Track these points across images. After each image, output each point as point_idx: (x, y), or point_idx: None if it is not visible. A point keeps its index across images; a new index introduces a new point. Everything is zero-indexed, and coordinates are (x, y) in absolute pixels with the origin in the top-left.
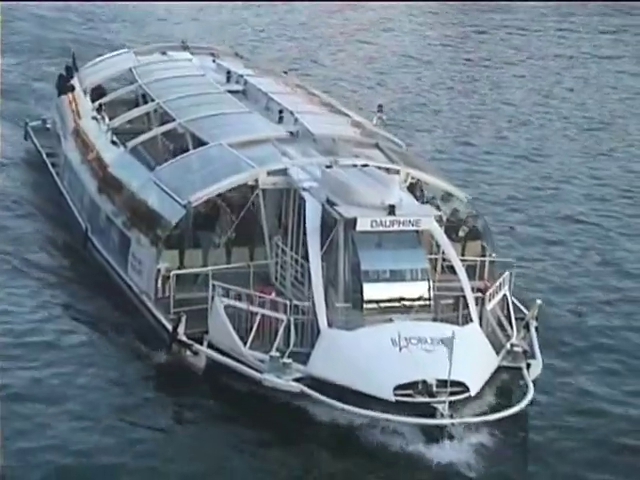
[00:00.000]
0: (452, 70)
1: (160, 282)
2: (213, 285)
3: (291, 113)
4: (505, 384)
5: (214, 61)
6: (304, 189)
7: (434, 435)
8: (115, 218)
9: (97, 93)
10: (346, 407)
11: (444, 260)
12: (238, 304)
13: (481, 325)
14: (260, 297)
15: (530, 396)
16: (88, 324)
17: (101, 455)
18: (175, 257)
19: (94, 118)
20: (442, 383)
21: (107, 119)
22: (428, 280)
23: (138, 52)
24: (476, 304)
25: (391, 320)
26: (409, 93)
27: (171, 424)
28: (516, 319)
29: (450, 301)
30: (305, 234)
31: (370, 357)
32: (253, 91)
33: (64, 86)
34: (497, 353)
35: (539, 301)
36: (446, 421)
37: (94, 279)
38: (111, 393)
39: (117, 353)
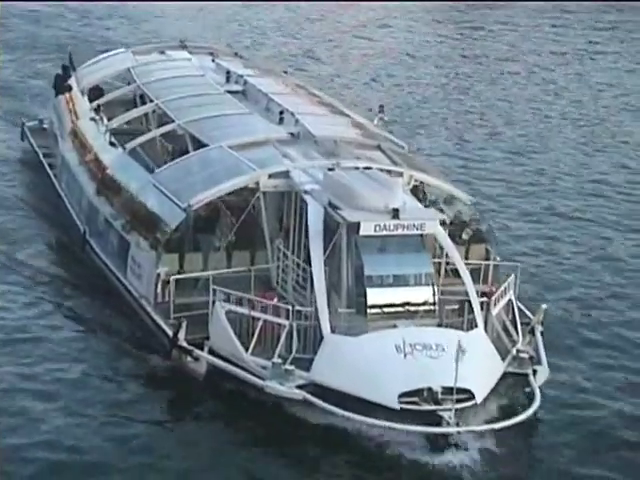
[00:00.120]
0: (447, 67)
1: (160, 286)
2: (214, 290)
3: (292, 114)
4: (510, 390)
5: (213, 61)
6: (306, 192)
7: (439, 443)
8: (114, 221)
9: (95, 93)
10: (351, 415)
11: (447, 264)
12: (239, 309)
13: (486, 330)
14: (262, 302)
15: (537, 403)
16: (85, 326)
17: (95, 451)
18: (175, 261)
19: (92, 119)
20: (447, 390)
21: (105, 120)
22: (433, 285)
23: (136, 52)
24: (481, 309)
25: (395, 326)
26: (404, 90)
27: (166, 420)
28: (521, 324)
29: (455, 306)
30: (307, 237)
31: (374, 364)
32: (253, 91)
33: (61, 86)
34: (503, 359)
35: (544, 305)
36: (452, 429)
37: (92, 282)
38: (105, 389)
39: (112, 351)
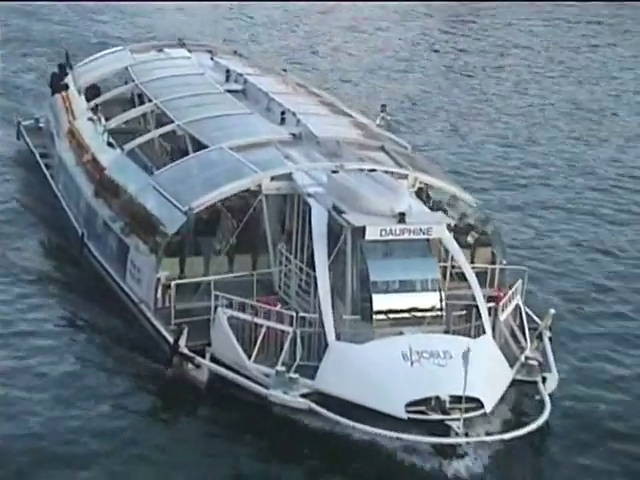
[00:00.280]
0: (442, 61)
1: (160, 291)
2: (216, 295)
3: (293, 114)
4: (519, 398)
5: (212, 59)
6: (309, 195)
7: (447, 453)
8: (113, 224)
9: (92, 92)
10: (357, 425)
11: (453, 267)
12: (242, 315)
13: (494, 336)
14: (264, 308)
15: (547, 412)
16: (83, 331)
17: (88, 442)
18: (175, 265)
19: (90, 119)
20: (455, 399)
21: (103, 120)
22: (439, 290)
23: (134, 50)
24: (489, 314)
25: (402, 333)
26: (399, 84)
27: (159, 412)
28: (528, 329)
29: (462, 312)
30: (310, 241)
31: (380, 372)
32: (253, 91)
33: (58, 84)
34: (511, 366)
35: (552, 310)
36: (461, 440)
37: (90, 286)
38: (98, 381)
39: (105, 344)
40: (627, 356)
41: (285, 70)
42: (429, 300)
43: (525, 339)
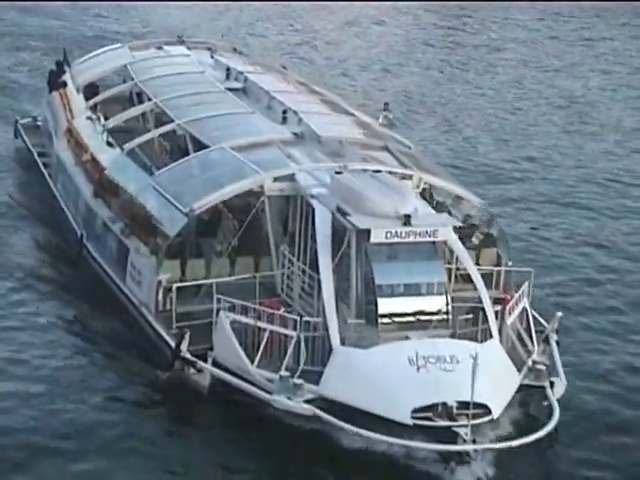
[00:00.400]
0: (438, 56)
1: (161, 294)
2: (218, 298)
3: (295, 113)
4: (527, 402)
5: (212, 56)
6: (312, 196)
7: (454, 460)
8: (112, 225)
9: (90, 90)
10: (362, 432)
11: (458, 269)
12: (245, 319)
13: (501, 340)
14: (267, 311)
15: (556, 418)
16: (81, 334)
17: (80, 436)
18: (176, 267)
19: (89, 118)
20: (463, 405)
21: (102, 119)
22: (446, 294)
23: (133, 47)
24: (495, 317)
25: (407, 337)
26: (395, 79)
27: (152, 405)
28: (535, 332)
29: (469, 316)
30: (314, 243)
31: (386, 377)
32: (254, 89)
33: (55, 82)
34: (518, 370)
35: (559, 313)
36: (469, 447)
37: (89, 288)
38: (90, 374)
39: (99, 340)
40: (619, 349)
41: (285, 67)
42: (435, 304)
43: (532, 342)
